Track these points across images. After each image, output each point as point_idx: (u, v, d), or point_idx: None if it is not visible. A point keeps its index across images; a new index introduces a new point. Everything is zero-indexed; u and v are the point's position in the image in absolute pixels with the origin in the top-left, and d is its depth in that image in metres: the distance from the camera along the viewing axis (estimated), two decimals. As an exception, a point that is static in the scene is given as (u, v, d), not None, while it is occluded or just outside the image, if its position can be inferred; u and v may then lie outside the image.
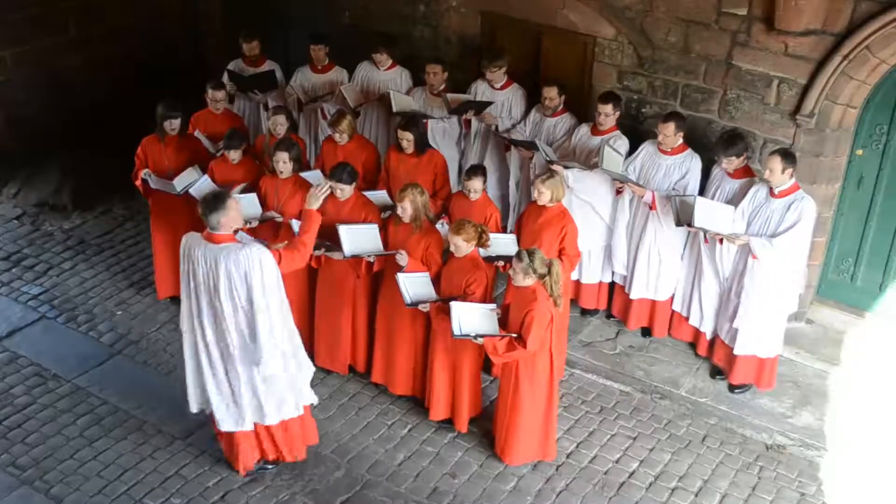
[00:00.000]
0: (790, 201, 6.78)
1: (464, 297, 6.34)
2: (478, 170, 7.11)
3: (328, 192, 6.35)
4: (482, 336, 6.13)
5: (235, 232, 5.87)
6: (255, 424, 6.19)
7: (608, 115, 7.65)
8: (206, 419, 6.45)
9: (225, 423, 6.14)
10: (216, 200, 5.74)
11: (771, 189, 6.84)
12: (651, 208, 7.39)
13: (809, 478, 6.67)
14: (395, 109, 8.22)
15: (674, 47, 7.75)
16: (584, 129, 7.87)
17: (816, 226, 7.05)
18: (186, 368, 6.16)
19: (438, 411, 6.88)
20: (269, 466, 6.48)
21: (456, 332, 6.13)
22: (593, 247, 7.78)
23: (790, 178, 6.78)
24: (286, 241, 6.28)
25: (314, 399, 6.36)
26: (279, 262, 5.82)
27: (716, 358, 7.52)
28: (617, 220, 7.71)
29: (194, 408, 6.27)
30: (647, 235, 7.55)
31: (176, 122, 7.64)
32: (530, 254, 6.03)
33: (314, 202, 6.16)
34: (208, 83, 8.22)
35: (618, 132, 7.73)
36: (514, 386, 6.35)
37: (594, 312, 8.17)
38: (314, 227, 6.13)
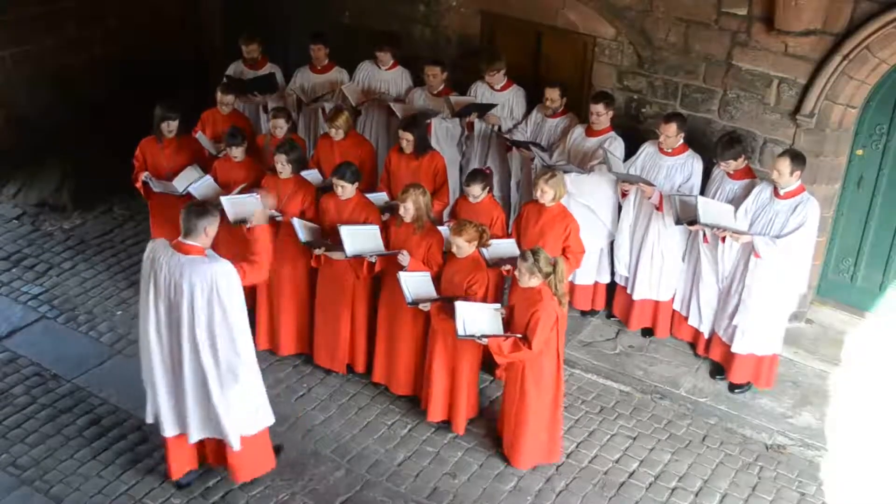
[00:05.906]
0: (795, 203, 6.77)
1: (465, 298, 6.32)
2: (476, 175, 7.06)
3: (271, 211, 6.16)
4: (487, 336, 6.11)
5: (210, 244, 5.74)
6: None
7: (600, 114, 7.61)
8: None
9: (168, 429, 5.98)
10: (206, 207, 5.72)
11: (776, 190, 6.82)
12: (658, 209, 7.38)
13: (809, 478, 6.68)
14: (401, 118, 8.18)
15: (674, 47, 7.75)
16: (579, 131, 7.83)
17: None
18: (144, 379, 5.94)
19: (436, 412, 6.88)
20: None
21: (460, 332, 6.11)
22: (592, 249, 7.77)
23: (797, 180, 6.76)
24: (253, 256, 5.99)
25: (271, 420, 6.16)
26: (243, 278, 5.69)
27: (713, 355, 7.52)
28: (621, 221, 7.71)
29: (150, 418, 6.04)
30: (650, 236, 7.55)
31: (174, 124, 7.63)
32: (534, 253, 6.01)
33: (261, 220, 6.03)
34: (219, 85, 8.24)
35: (612, 133, 7.67)
36: (520, 389, 6.33)
37: (593, 313, 8.17)
38: (264, 240, 5.96)
